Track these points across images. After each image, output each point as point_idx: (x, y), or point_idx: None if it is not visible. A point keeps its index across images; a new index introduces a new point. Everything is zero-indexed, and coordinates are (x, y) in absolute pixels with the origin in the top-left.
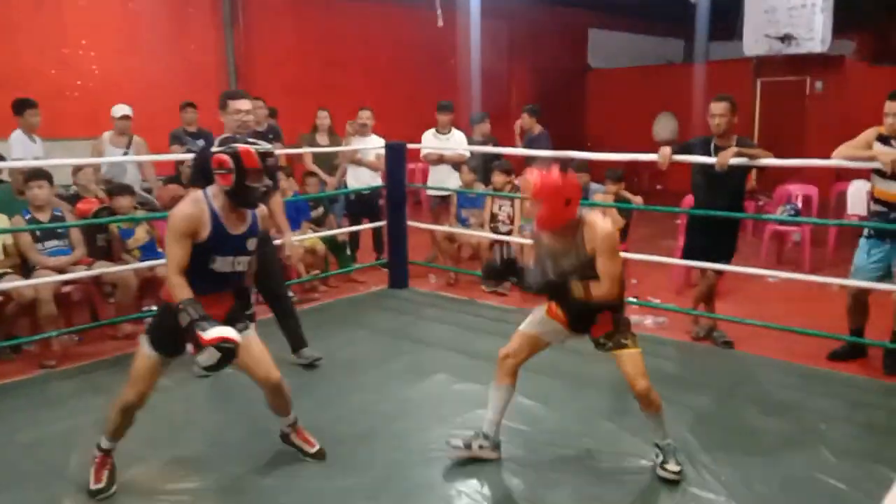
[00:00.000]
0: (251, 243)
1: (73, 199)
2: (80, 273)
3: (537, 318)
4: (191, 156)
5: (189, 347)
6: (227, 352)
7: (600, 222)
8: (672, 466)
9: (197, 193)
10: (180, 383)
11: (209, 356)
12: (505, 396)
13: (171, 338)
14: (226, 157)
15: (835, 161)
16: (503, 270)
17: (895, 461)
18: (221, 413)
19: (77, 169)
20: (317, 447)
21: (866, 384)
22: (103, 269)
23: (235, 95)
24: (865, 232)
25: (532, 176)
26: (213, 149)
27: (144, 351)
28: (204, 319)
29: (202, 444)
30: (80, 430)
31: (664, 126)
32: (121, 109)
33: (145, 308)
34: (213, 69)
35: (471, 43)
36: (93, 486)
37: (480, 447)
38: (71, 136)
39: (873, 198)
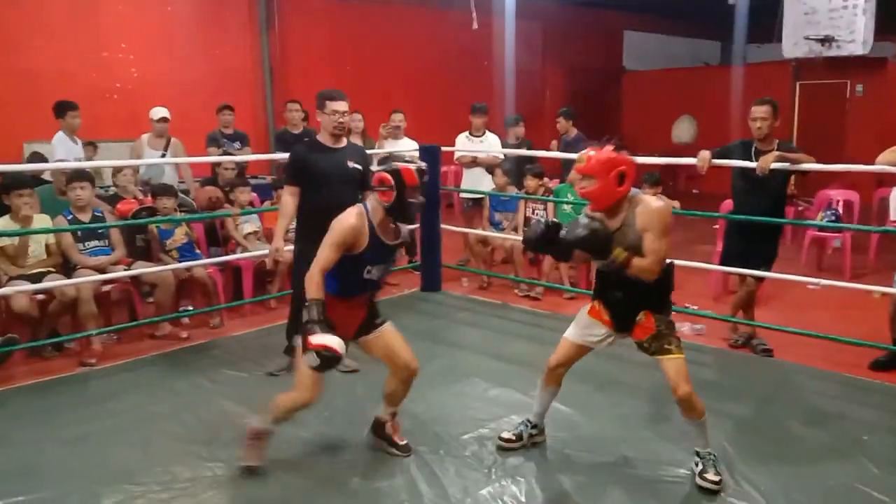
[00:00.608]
0: (399, 253)
1: (113, 200)
2: (120, 273)
3: (581, 321)
4: (228, 158)
5: (296, 340)
6: (326, 360)
7: (654, 200)
8: (712, 476)
9: (360, 207)
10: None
11: (311, 359)
12: (552, 396)
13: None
14: (387, 175)
15: (878, 166)
16: (546, 234)
17: None
18: None
19: (117, 170)
20: (405, 441)
21: None
22: (142, 269)
23: (333, 96)
24: None
25: (585, 153)
26: (375, 167)
27: (307, 361)
28: (319, 323)
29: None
30: (120, 427)
31: (684, 129)
32: (159, 112)
33: (182, 308)
34: (248, 72)
35: (505, 45)
36: (246, 463)
37: (531, 435)
38: (110, 137)
39: None
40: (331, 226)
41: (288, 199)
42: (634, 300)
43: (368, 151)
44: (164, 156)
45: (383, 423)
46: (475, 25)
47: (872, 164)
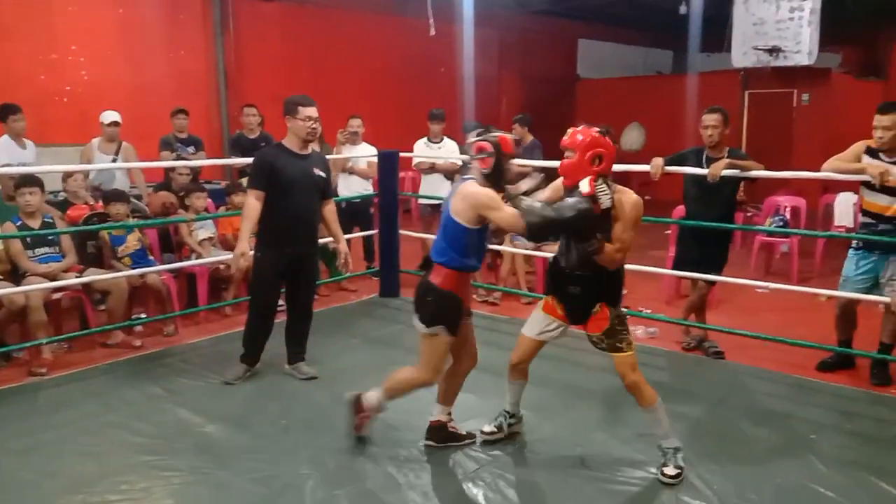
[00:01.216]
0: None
1: (62, 206)
2: (71, 280)
3: (537, 318)
4: (182, 163)
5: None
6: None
7: (631, 193)
8: (669, 471)
9: (471, 181)
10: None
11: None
12: (521, 387)
13: (459, 317)
14: (486, 143)
15: (825, 174)
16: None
17: (884, 470)
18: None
19: (67, 175)
20: (466, 431)
21: (855, 394)
22: (94, 276)
23: (305, 102)
24: (854, 244)
25: (573, 129)
26: (472, 137)
27: (445, 338)
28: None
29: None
30: (73, 437)
31: (633, 137)
32: (110, 116)
33: (135, 316)
34: (203, 75)
35: (462, 52)
36: (359, 434)
37: (510, 425)
38: (59, 141)
39: (862, 210)
40: (474, 196)
41: (253, 202)
42: (591, 295)
43: (328, 157)
44: (115, 160)
45: (445, 423)
46: (433, 32)
47: (818, 171)
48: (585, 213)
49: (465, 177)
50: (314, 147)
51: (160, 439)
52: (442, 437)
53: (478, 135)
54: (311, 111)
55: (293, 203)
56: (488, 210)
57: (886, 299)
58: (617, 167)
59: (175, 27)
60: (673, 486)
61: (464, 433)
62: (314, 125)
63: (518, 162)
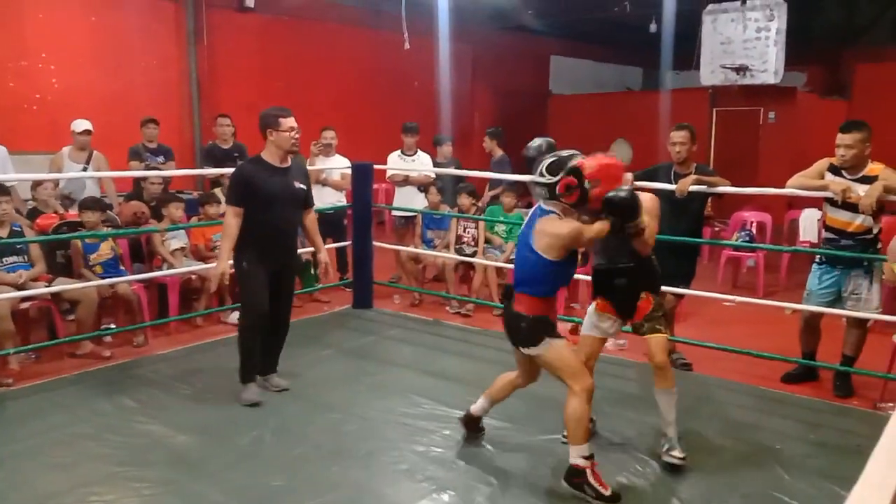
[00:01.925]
0: None
1: (32, 215)
2: (40, 290)
3: (593, 318)
4: (154, 172)
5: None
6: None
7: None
8: (677, 453)
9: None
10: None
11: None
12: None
13: (555, 329)
14: (573, 178)
15: (789, 190)
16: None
17: (847, 479)
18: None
19: (37, 184)
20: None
21: (819, 405)
22: (64, 285)
23: (286, 113)
24: (817, 258)
25: (590, 161)
26: (549, 175)
27: (557, 342)
28: None
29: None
30: (41, 449)
31: (620, 153)
32: (81, 124)
33: (104, 326)
34: (175, 85)
35: (436, 66)
36: (608, 493)
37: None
38: (29, 149)
39: (825, 226)
40: (559, 237)
41: (232, 220)
42: (635, 284)
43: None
44: (85, 169)
45: (478, 417)
46: (407, 46)
47: (784, 187)
48: (636, 194)
49: (547, 210)
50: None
51: (130, 450)
52: (472, 425)
53: (552, 162)
54: (293, 121)
55: (275, 217)
56: (577, 242)
57: (849, 313)
58: None
59: (148, 36)
60: (670, 474)
61: (482, 427)
62: (297, 135)
63: (490, 175)
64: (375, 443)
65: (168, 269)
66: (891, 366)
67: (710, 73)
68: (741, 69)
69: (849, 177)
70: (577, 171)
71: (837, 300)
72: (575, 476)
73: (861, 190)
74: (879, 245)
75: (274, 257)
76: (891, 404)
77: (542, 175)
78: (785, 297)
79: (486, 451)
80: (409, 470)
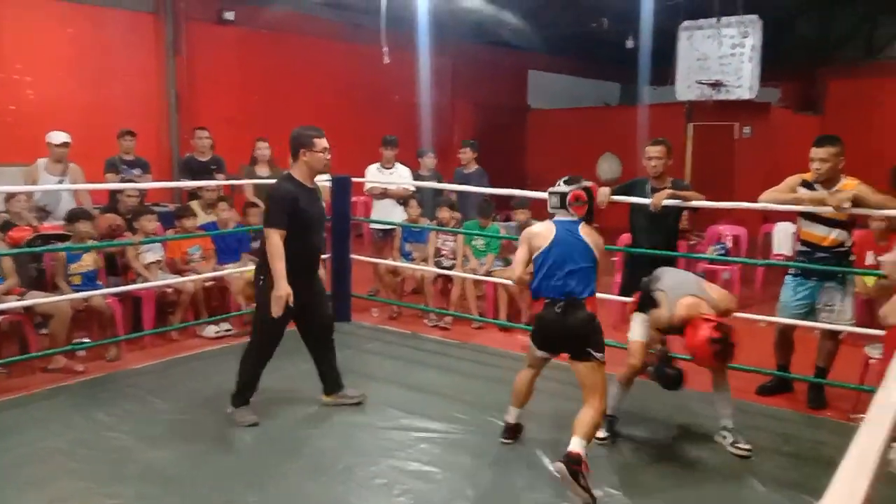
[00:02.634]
0: None
1: (3, 227)
2: (12, 303)
3: (639, 320)
4: (132, 185)
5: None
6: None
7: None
8: (743, 444)
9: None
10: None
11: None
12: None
13: None
14: (583, 193)
15: (762, 204)
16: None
17: (820, 490)
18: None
19: (10, 196)
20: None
21: (793, 417)
22: (37, 299)
23: (319, 133)
24: (791, 271)
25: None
26: (566, 187)
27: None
28: None
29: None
30: (12, 465)
31: (608, 167)
32: (60, 136)
33: (77, 340)
34: (153, 97)
35: (416, 80)
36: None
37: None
38: (2, 161)
39: (800, 239)
40: (600, 239)
41: (279, 241)
42: None
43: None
44: (61, 181)
45: (518, 423)
46: (386, 60)
47: (758, 201)
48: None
49: (570, 219)
50: (263, 169)
51: (104, 465)
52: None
53: (569, 178)
54: (325, 141)
55: (313, 239)
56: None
57: (822, 325)
58: None
59: (126, 48)
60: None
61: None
62: (329, 156)
63: (465, 188)
64: (353, 457)
65: (142, 282)
66: (863, 377)
67: (686, 88)
68: (717, 85)
69: (822, 190)
70: (588, 190)
71: (811, 312)
72: (575, 463)
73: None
74: (852, 258)
75: (304, 280)
76: (863, 416)
77: (557, 185)
78: (759, 309)
79: (464, 464)
80: (387, 484)
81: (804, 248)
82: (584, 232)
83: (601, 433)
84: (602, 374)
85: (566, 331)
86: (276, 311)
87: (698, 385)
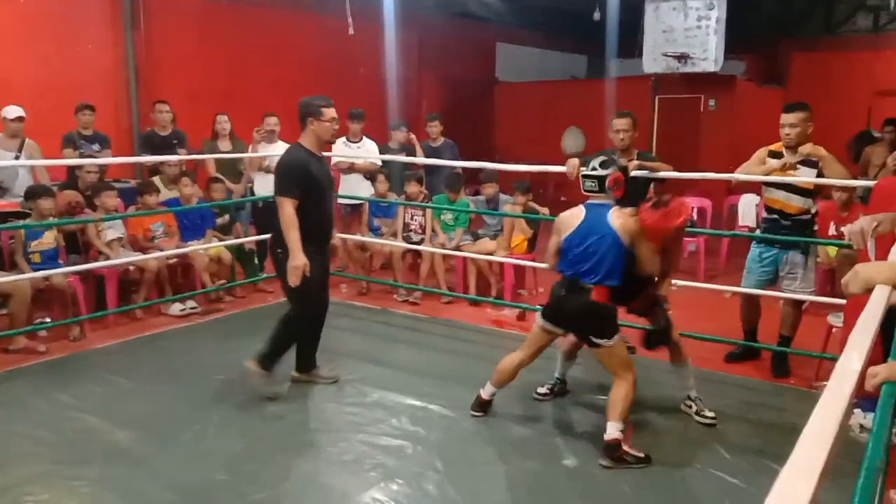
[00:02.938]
0: None
1: None
2: None
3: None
4: (90, 161)
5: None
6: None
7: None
8: (708, 413)
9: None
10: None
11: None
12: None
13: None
14: (620, 175)
15: (728, 175)
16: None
17: (783, 456)
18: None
19: None
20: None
21: (758, 385)
22: None
23: (327, 103)
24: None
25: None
26: (603, 170)
27: (620, 341)
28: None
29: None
30: None
31: (573, 141)
32: (14, 111)
33: (38, 320)
34: (112, 71)
35: (382, 52)
36: (643, 455)
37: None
38: None
39: (765, 207)
40: (637, 230)
41: (292, 210)
42: None
43: (243, 155)
44: (17, 157)
45: (490, 400)
46: (351, 31)
47: (724, 172)
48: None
49: (602, 203)
50: (225, 143)
51: (67, 447)
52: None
53: (604, 160)
54: (334, 111)
55: (326, 206)
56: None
57: (785, 294)
58: (533, 168)
59: (82, 19)
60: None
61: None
62: (337, 126)
63: (435, 162)
64: (322, 434)
65: (105, 260)
66: (825, 346)
67: (653, 60)
68: (682, 57)
69: (792, 157)
70: (624, 169)
71: (776, 278)
72: (615, 450)
73: (808, 172)
74: (816, 227)
75: (325, 248)
76: (824, 383)
77: (594, 169)
78: (725, 280)
79: (434, 439)
80: (356, 460)
81: (769, 216)
82: (615, 216)
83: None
84: (617, 355)
85: (563, 313)
86: (294, 280)
87: (662, 355)
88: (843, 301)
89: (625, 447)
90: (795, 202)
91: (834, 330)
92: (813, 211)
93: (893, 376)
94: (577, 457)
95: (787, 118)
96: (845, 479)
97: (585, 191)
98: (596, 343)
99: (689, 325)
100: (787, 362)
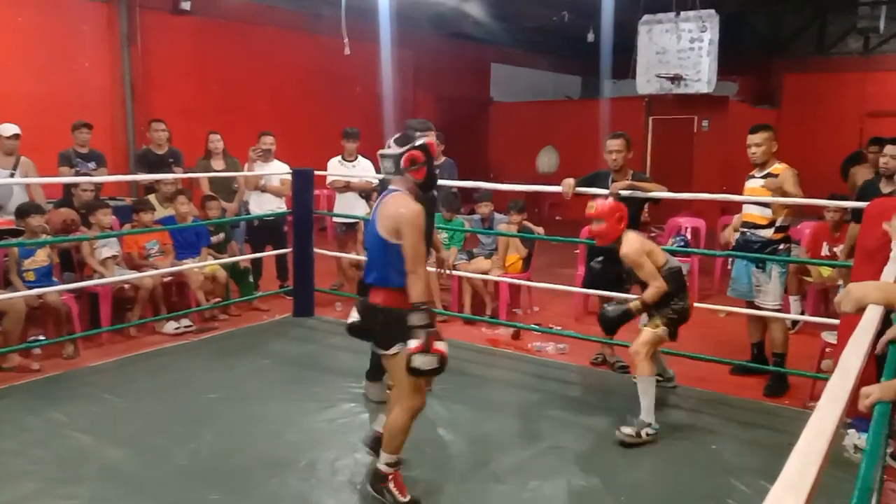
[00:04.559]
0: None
1: None
2: None
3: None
4: (87, 178)
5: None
6: (442, 367)
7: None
8: (626, 429)
9: (401, 193)
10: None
11: (429, 362)
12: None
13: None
14: (419, 153)
15: (723, 196)
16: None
17: (777, 475)
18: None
19: None
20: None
21: (752, 405)
22: None
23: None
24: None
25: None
26: (395, 149)
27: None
28: (433, 327)
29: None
30: None
31: (548, 160)
32: (10, 128)
33: (32, 338)
34: (108, 88)
35: (378, 72)
36: (405, 499)
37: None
38: None
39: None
40: (399, 217)
41: None
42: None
43: (238, 174)
44: (13, 175)
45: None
46: (347, 51)
47: (717, 192)
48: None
49: (392, 189)
50: (218, 162)
51: (60, 466)
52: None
53: (401, 135)
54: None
55: None
56: (419, 225)
57: (767, 313)
58: (528, 188)
59: (79, 38)
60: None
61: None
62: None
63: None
64: (316, 453)
65: (99, 278)
66: (819, 365)
67: (646, 82)
68: (676, 78)
69: (757, 174)
70: (424, 148)
71: (750, 291)
72: (379, 481)
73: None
74: (787, 245)
75: None
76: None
77: (388, 147)
78: (719, 300)
79: (432, 456)
80: (350, 480)
81: (741, 230)
82: (386, 204)
83: (628, 429)
84: (401, 363)
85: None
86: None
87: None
88: (837, 320)
89: (390, 485)
90: (754, 210)
91: (828, 349)
92: (779, 222)
93: (886, 396)
94: (577, 476)
95: (752, 138)
96: (840, 499)
97: (384, 174)
98: (381, 352)
99: (682, 346)
100: (785, 381)
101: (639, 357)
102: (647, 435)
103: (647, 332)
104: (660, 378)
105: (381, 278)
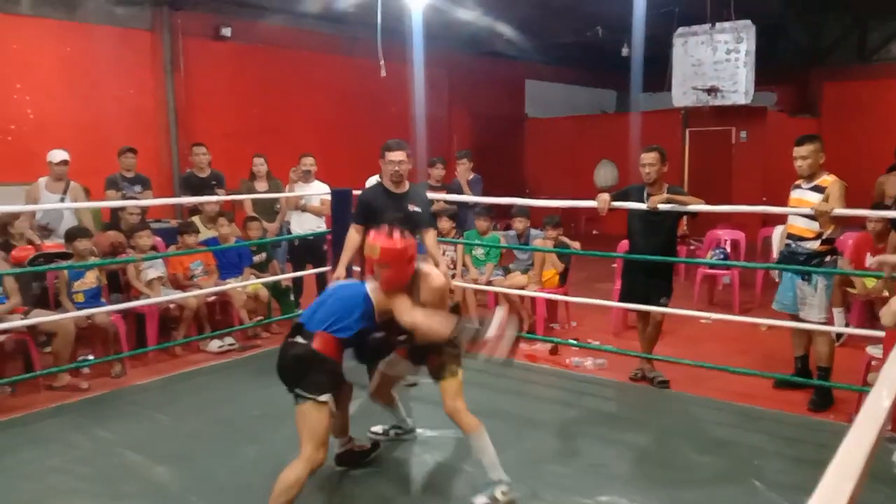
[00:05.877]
0: None
1: (4, 247)
2: (16, 322)
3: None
4: (132, 202)
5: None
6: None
7: (434, 273)
8: (480, 500)
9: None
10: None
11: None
12: None
13: (338, 382)
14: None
15: (762, 208)
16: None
17: None
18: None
19: (13, 216)
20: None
21: (795, 420)
22: (41, 318)
23: (391, 147)
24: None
25: (377, 241)
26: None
27: (326, 405)
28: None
29: None
30: (12, 485)
31: (605, 173)
32: (59, 155)
33: (81, 357)
34: (152, 113)
35: (413, 92)
36: None
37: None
38: (3, 181)
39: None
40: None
41: (353, 234)
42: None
43: (280, 195)
44: (62, 200)
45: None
46: (383, 73)
47: (757, 204)
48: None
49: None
50: (262, 184)
51: (105, 483)
52: (352, 460)
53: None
54: (395, 155)
55: None
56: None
57: (810, 326)
58: (564, 203)
59: (124, 65)
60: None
61: (368, 446)
62: (397, 168)
63: (467, 198)
64: (347, 471)
65: (145, 299)
66: (865, 379)
67: (682, 94)
68: (712, 90)
69: (804, 185)
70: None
71: (795, 304)
72: None
73: (815, 197)
74: (833, 257)
75: None
76: None
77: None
78: (760, 313)
79: (467, 472)
80: (346, 492)
81: (786, 243)
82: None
83: (481, 499)
84: (306, 418)
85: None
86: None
87: (698, 389)
88: (883, 333)
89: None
90: (801, 223)
91: (874, 362)
92: (826, 235)
93: None
94: (613, 492)
95: (798, 151)
96: None
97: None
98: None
99: (724, 359)
100: (830, 395)
101: (459, 414)
102: (504, 494)
103: (450, 383)
104: (399, 429)
105: (335, 326)
